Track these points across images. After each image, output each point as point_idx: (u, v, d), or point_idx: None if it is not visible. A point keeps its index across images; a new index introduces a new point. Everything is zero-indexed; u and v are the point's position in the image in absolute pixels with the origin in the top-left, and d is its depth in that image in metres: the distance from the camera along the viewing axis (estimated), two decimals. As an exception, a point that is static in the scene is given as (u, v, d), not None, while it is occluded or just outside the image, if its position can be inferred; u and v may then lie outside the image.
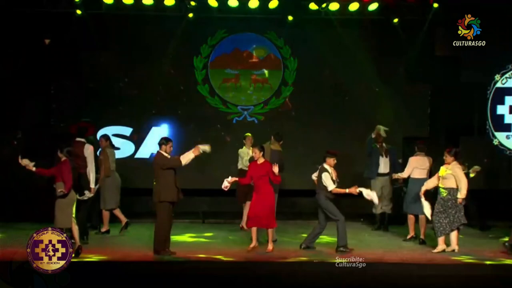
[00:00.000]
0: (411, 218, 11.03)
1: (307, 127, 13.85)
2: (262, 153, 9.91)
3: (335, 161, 10.08)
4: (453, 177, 9.88)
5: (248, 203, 11.50)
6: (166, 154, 9.64)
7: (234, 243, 10.30)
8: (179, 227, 11.76)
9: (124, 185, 13.60)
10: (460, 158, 10.26)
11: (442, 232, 9.90)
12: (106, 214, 11.29)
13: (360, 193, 9.88)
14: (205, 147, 9.60)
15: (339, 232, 9.85)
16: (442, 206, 9.94)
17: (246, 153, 11.93)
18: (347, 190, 9.88)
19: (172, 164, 9.50)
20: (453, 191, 9.89)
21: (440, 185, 10.02)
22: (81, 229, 10.19)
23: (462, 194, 9.84)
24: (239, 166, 12.06)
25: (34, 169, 9.33)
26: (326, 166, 10.01)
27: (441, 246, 9.96)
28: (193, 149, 9.50)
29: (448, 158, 10.00)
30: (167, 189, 9.47)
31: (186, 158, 9.48)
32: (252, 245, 9.85)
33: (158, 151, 9.70)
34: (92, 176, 10.19)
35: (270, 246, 9.83)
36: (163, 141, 9.70)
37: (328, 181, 9.89)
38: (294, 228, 12.16)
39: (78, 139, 10.27)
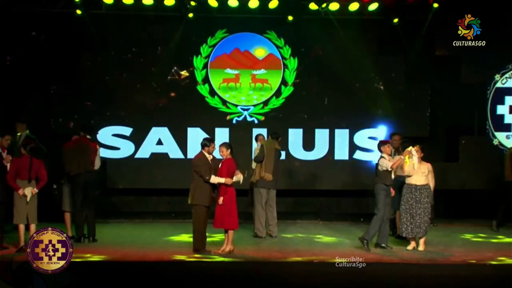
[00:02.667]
0: (398, 214, 11.08)
1: (307, 127, 13.85)
2: (229, 151, 9.74)
3: (390, 147, 10.21)
4: (428, 173, 9.97)
5: None
6: (207, 155, 9.64)
7: (234, 243, 10.27)
8: (179, 227, 11.78)
9: (124, 185, 13.67)
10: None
11: (409, 234, 9.99)
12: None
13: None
14: (239, 178, 9.60)
15: (370, 226, 10.00)
16: (428, 203, 9.96)
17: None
18: (402, 157, 10.03)
19: (200, 173, 9.51)
20: (426, 187, 9.97)
21: (416, 182, 9.99)
22: (80, 230, 10.26)
23: (432, 190, 10.06)
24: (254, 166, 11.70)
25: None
26: (383, 154, 10.13)
27: (413, 244, 10.08)
28: (226, 179, 9.44)
29: (419, 153, 10.00)
30: (200, 192, 9.53)
31: (216, 180, 9.47)
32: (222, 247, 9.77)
33: (201, 151, 9.71)
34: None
35: (226, 247, 9.66)
36: (206, 142, 9.71)
37: (386, 163, 9.97)
38: (294, 228, 12.16)
39: (89, 137, 10.41)
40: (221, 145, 9.81)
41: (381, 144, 10.28)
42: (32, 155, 9.68)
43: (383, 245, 10.10)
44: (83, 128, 10.57)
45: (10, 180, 9.55)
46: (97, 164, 10.56)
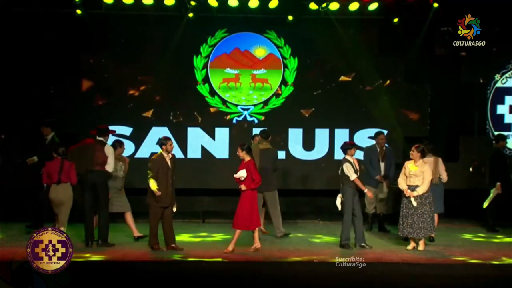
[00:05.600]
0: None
1: (307, 127, 13.85)
2: (244, 152, 9.74)
3: (355, 150, 10.28)
4: (423, 173, 9.87)
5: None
6: (165, 155, 9.67)
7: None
8: (178, 227, 11.73)
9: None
10: (425, 155, 10.19)
11: (423, 234, 9.93)
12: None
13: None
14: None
15: (356, 230, 10.16)
16: (421, 204, 9.88)
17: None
18: (366, 190, 10.14)
19: (150, 172, 9.61)
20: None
21: (410, 183, 9.99)
22: (89, 234, 10.17)
23: (421, 190, 9.82)
24: None
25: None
26: (347, 157, 10.15)
27: (413, 244, 10.02)
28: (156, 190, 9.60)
29: (414, 154, 9.97)
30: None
31: (153, 185, 9.56)
32: (253, 246, 9.83)
33: (160, 151, 9.75)
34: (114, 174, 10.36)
35: (230, 247, 9.69)
36: (163, 141, 9.76)
37: (350, 171, 10.02)
38: (294, 228, 12.16)
39: (99, 138, 10.20)
40: (238, 147, 9.89)
41: (348, 146, 10.25)
42: (64, 158, 9.75)
43: (362, 244, 10.12)
44: (97, 130, 10.28)
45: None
46: (111, 165, 10.22)
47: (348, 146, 10.25)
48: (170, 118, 13.76)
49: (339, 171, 10.28)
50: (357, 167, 10.17)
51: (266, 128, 11.96)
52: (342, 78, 13.75)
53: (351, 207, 10.10)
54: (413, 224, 9.91)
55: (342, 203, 10.14)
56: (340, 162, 10.31)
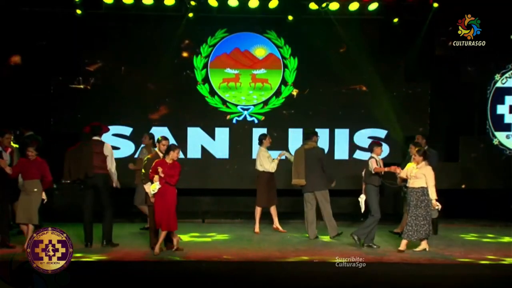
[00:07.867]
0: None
1: (307, 127, 13.83)
2: (173, 151, 9.55)
3: (381, 149, 10.36)
4: (423, 176, 9.79)
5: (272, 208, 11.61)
6: (160, 154, 9.69)
7: (234, 243, 10.29)
8: (179, 227, 11.75)
9: (124, 185, 13.66)
10: (428, 158, 10.13)
11: (416, 237, 9.86)
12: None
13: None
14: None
15: (364, 224, 10.15)
16: (415, 206, 9.81)
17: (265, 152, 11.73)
18: (386, 168, 10.17)
19: (145, 170, 9.70)
20: (425, 190, 9.81)
21: (409, 185, 9.93)
22: (88, 236, 10.10)
23: (433, 196, 9.73)
24: (261, 168, 11.69)
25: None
26: (373, 155, 10.26)
27: (424, 245, 9.93)
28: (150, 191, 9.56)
29: (417, 157, 9.91)
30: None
31: (148, 188, 9.57)
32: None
33: (155, 150, 9.79)
34: (115, 175, 10.21)
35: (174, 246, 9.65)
36: (158, 140, 9.88)
37: (374, 165, 10.10)
38: (295, 228, 12.16)
39: (95, 138, 10.07)
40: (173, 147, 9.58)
41: (374, 145, 10.37)
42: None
43: (370, 244, 10.13)
44: (91, 129, 10.11)
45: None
46: (110, 164, 10.12)
47: (375, 145, 10.35)
48: (170, 118, 13.76)
49: (363, 172, 10.33)
50: (381, 165, 10.19)
51: (311, 129, 11.90)
52: (342, 78, 13.76)
53: (378, 206, 10.10)
54: (407, 225, 9.90)
55: (366, 203, 10.15)
56: (363, 162, 10.46)
